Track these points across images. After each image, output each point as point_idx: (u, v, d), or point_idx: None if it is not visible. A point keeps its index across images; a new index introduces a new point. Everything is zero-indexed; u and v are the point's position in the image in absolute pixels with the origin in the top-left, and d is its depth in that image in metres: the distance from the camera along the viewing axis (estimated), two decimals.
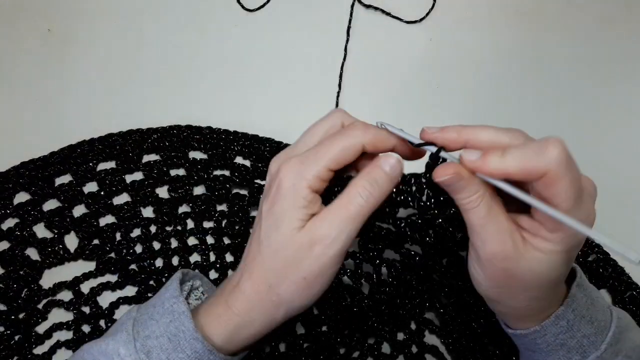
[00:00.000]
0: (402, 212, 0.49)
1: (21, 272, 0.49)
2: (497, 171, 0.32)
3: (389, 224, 0.49)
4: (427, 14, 0.57)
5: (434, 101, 0.55)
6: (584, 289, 0.39)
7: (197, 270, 0.47)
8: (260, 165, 0.51)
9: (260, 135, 0.52)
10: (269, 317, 0.36)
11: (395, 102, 0.55)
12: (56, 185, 0.51)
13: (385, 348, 0.48)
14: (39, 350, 0.48)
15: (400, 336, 0.48)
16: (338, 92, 0.54)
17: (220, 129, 0.52)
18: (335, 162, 0.35)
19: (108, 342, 0.36)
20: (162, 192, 0.51)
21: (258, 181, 0.51)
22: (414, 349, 0.47)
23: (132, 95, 0.55)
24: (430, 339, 0.48)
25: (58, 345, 0.48)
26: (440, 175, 0.32)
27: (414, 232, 0.48)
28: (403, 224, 0.48)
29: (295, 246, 0.35)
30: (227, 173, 0.52)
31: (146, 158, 0.52)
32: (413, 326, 0.48)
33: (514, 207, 0.35)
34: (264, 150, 0.52)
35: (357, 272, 0.49)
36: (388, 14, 0.57)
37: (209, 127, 0.52)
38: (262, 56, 0.56)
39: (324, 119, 0.38)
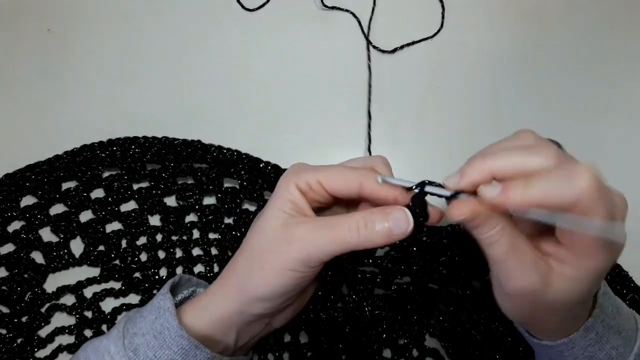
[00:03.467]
0: (379, 251, 0.50)
1: (25, 275, 0.49)
2: (522, 204, 0.29)
3: (369, 264, 0.50)
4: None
5: (433, 101, 0.56)
6: (609, 297, 0.37)
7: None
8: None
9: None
10: (229, 300, 0.37)
11: (392, 99, 0.56)
12: (63, 189, 0.51)
13: (387, 353, 0.49)
14: (41, 353, 0.47)
15: (401, 340, 0.49)
16: (369, 107, 0.55)
17: (229, 148, 0.51)
18: (327, 178, 0.36)
19: (101, 340, 0.36)
20: (170, 200, 0.52)
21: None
22: (415, 353, 0.49)
23: (132, 96, 0.55)
24: (431, 342, 0.49)
25: (60, 349, 0.48)
26: (456, 215, 0.31)
27: (398, 265, 0.50)
28: (385, 262, 0.49)
29: (269, 235, 0.36)
30: (237, 185, 0.52)
31: (151, 166, 0.52)
32: (414, 329, 0.49)
33: (536, 229, 0.33)
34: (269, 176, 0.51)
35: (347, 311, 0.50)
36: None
37: (219, 147, 0.51)
38: (262, 56, 0.57)
39: (362, 158, 0.39)
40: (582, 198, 0.28)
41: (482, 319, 0.48)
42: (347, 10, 0.58)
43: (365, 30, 0.58)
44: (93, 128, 0.53)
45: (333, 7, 0.58)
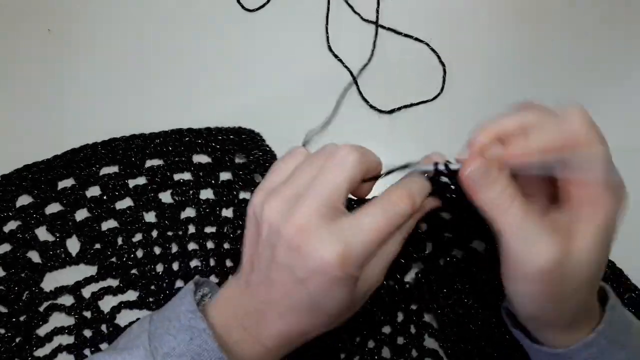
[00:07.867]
0: None
1: (22, 275, 0.49)
2: (524, 155, 0.30)
3: None
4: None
5: (433, 101, 0.56)
6: (618, 312, 0.36)
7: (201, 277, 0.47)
8: (261, 160, 0.52)
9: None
10: (295, 347, 0.37)
11: (391, 97, 0.56)
12: (59, 188, 0.51)
13: (385, 352, 0.48)
14: (40, 352, 0.48)
15: (400, 340, 0.48)
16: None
17: (218, 127, 0.52)
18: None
19: (124, 357, 0.33)
20: (165, 196, 0.51)
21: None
22: (414, 353, 0.48)
23: (132, 97, 0.55)
24: (430, 342, 0.49)
25: (59, 349, 0.48)
26: (468, 166, 0.30)
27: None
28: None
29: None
30: (230, 176, 0.52)
31: (149, 163, 0.52)
32: (413, 330, 0.49)
33: (540, 204, 0.33)
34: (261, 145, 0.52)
35: None
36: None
37: (208, 128, 0.52)
38: (262, 56, 0.57)
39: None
40: (578, 131, 0.30)
41: (481, 319, 0.48)
42: (345, 67, 0.56)
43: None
44: (92, 128, 0.53)
45: (336, 57, 0.57)
